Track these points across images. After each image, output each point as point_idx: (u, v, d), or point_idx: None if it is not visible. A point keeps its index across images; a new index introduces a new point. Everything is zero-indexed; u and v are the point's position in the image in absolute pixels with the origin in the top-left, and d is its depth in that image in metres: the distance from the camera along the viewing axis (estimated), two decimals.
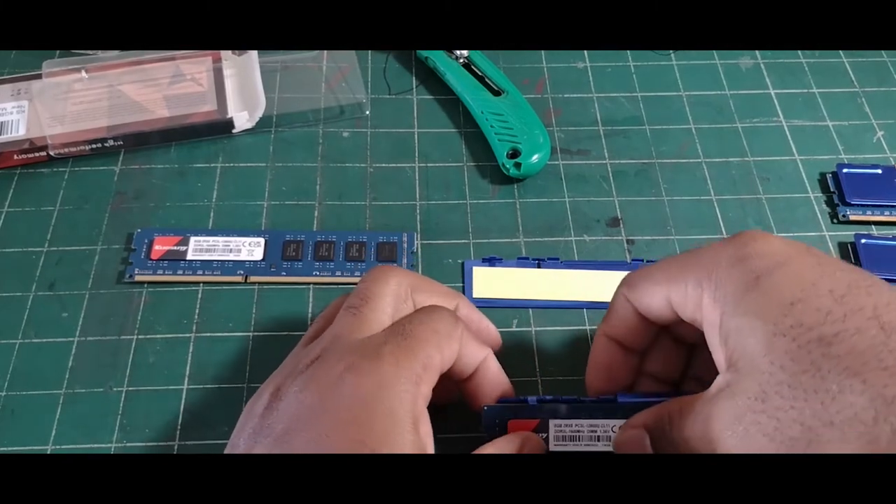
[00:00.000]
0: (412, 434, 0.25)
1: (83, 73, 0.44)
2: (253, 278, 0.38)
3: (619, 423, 0.28)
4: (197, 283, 0.38)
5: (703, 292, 0.26)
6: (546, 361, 0.36)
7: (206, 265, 0.38)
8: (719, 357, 0.25)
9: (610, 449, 0.28)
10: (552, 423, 0.29)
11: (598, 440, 0.29)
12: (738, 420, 0.23)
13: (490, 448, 0.28)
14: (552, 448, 0.29)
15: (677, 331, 0.30)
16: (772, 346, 0.23)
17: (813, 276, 0.24)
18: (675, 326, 0.30)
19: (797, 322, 0.23)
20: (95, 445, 0.33)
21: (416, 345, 0.27)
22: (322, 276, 0.38)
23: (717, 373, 0.26)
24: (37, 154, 0.41)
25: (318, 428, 0.24)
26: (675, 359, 0.31)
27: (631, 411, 0.28)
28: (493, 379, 0.30)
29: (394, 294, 0.29)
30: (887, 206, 0.41)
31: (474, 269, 0.38)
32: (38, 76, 0.44)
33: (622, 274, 0.38)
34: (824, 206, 0.42)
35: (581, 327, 0.37)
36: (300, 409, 0.25)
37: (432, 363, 0.27)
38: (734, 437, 0.23)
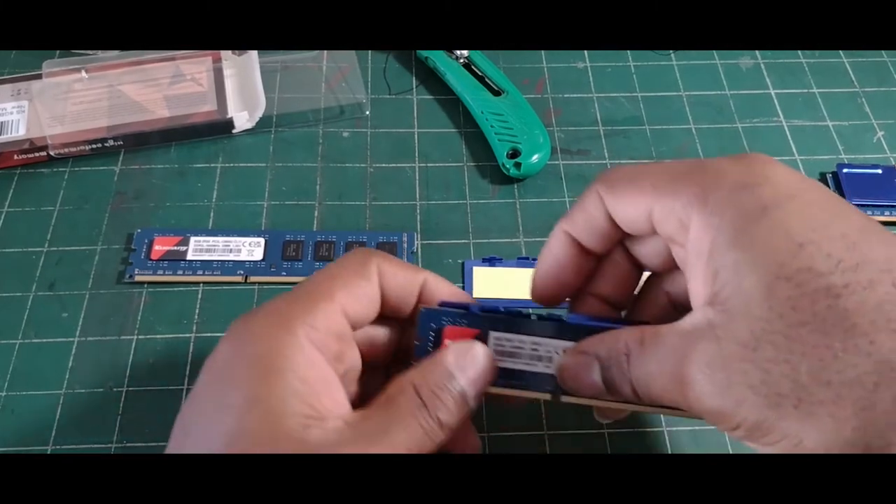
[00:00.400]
0: (285, 379, 0.23)
1: (83, 74, 0.44)
2: (253, 278, 0.38)
3: (564, 344, 0.26)
4: (197, 283, 0.38)
5: (694, 212, 0.23)
6: None
7: (206, 265, 0.38)
8: (699, 289, 0.23)
9: (551, 371, 0.26)
10: (493, 335, 0.27)
11: (540, 360, 0.26)
12: (720, 366, 0.21)
13: (414, 377, 0.25)
14: None
15: (640, 250, 0.28)
16: (772, 290, 0.21)
17: (825, 216, 0.22)
18: (639, 243, 0.27)
19: (805, 266, 0.21)
20: (95, 446, 0.33)
21: (302, 295, 0.25)
22: None
23: (670, 309, 0.24)
24: (37, 154, 0.42)
25: (197, 395, 0.24)
26: (627, 282, 0.28)
27: (580, 333, 0.26)
28: (442, 297, 0.28)
29: (347, 267, 0.27)
30: (888, 206, 0.41)
31: (474, 269, 0.38)
32: (39, 76, 0.44)
33: None
34: None
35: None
36: (196, 384, 0.25)
37: (323, 309, 0.25)
38: (712, 384, 0.21)
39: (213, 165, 0.42)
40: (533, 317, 0.27)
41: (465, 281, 0.38)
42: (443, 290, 0.28)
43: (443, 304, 0.27)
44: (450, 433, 0.24)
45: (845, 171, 0.42)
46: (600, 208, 0.26)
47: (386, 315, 0.28)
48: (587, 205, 0.27)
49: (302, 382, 0.23)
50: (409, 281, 0.27)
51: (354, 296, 0.26)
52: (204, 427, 0.23)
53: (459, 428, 0.26)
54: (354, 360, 0.27)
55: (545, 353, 0.26)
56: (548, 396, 0.26)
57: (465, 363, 0.25)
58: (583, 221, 0.27)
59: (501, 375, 0.26)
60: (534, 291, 0.29)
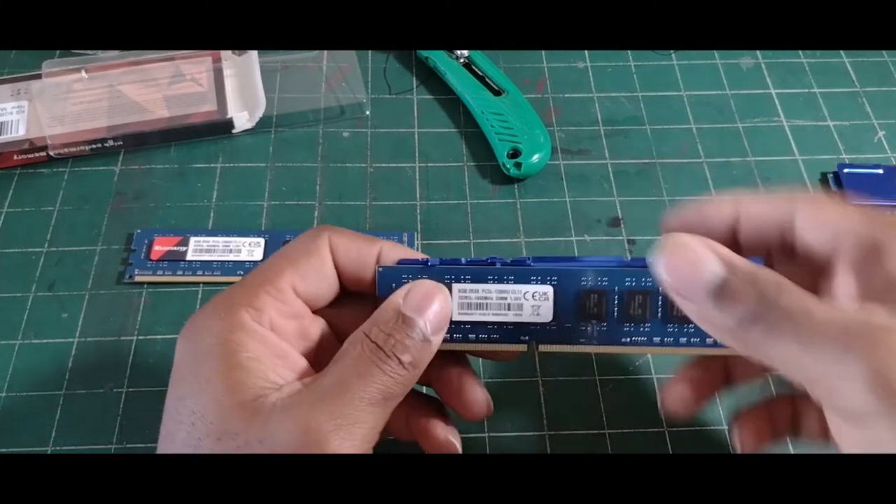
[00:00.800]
0: (234, 361, 0.23)
1: (83, 74, 0.44)
2: None
3: (534, 288, 0.25)
4: (197, 283, 0.38)
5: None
6: (547, 361, 0.36)
7: (206, 266, 0.38)
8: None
9: (520, 318, 0.25)
10: (456, 287, 0.26)
11: (509, 308, 0.25)
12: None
13: (364, 326, 0.24)
14: (455, 317, 0.26)
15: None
16: None
17: None
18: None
19: None
20: (95, 446, 0.33)
21: (247, 282, 0.25)
22: None
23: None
24: (37, 154, 0.41)
25: (166, 402, 0.25)
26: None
27: (547, 276, 0.25)
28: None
29: (296, 246, 0.27)
30: (888, 205, 0.41)
31: None
32: (38, 76, 0.44)
33: None
34: None
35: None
36: None
37: (267, 291, 0.25)
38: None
39: (212, 165, 0.42)
40: (497, 264, 0.26)
41: None
42: (399, 255, 0.27)
43: (401, 262, 0.26)
44: (418, 373, 0.24)
45: (846, 170, 0.42)
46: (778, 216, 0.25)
47: (351, 290, 0.27)
48: (764, 205, 0.26)
49: (253, 360, 0.23)
50: (364, 251, 0.27)
51: (303, 274, 0.26)
52: (166, 427, 0.24)
53: (465, 384, 0.27)
54: (325, 337, 0.27)
55: (514, 301, 0.25)
56: (524, 347, 0.26)
57: (414, 299, 0.25)
58: (751, 217, 0.26)
59: (471, 330, 0.26)
60: (667, 222, 0.27)
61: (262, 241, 0.39)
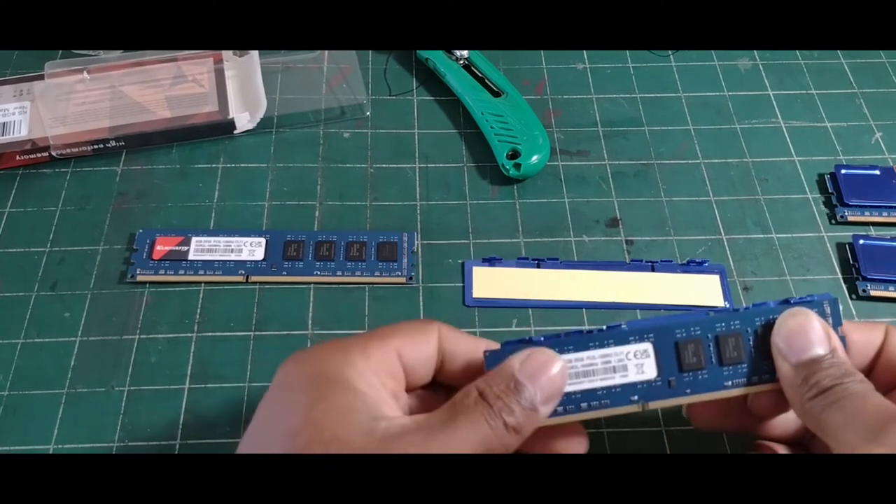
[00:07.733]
0: (348, 388, 0.24)
1: (85, 74, 0.44)
2: (254, 278, 0.38)
3: (636, 347, 0.26)
4: (198, 282, 0.38)
5: None
6: None
7: (208, 265, 0.38)
8: None
9: (626, 379, 0.26)
10: (562, 359, 0.26)
11: (615, 371, 0.26)
12: None
13: (478, 383, 0.25)
14: (567, 388, 0.26)
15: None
16: None
17: None
18: None
19: None
20: (97, 445, 0.33)
21: (358, 336, 0.27)
22: (323, 275, 0.38)
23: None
24: (39, 154, 0.42)
25: (262, 404, 0.25)
26: None
27: (643, 333, 0.26)
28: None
29: (407, 322, 0.28)
30: (885, 206, 0.41)
31: (474, 269, 0.39)
32: (41, 77, 0.44)
33: (621, 274, 0.39)
34: (822, 207, 0.42)
35: (580, 327, 0.37)
36: (261, 400, 0.26)
37: (377, 346, 0.26)
38: None
39: (214, 166, 0.42)
40: (594, 331, 0.27)
41: (465, 281, 0.38)
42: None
43: (505, 344, 0.27)
44: (520, 438, 0.24)
45: (843, 172, 0.42)
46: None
47: (444, 382, 0.28)
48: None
49: (370, 390, 0.24)
50: (471, 348, 0.27)
51: (409, 342, 0.26)
52: (270, 425, 0.24)
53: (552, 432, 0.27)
54: (412, 409, 0.27)
55: (618, 363, 0.26)
56: (636, 408, 0.26)
57: (530, 367, 0.25)
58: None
59: (582, 399, 0.26)
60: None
61: (263, 240, 0.39)
